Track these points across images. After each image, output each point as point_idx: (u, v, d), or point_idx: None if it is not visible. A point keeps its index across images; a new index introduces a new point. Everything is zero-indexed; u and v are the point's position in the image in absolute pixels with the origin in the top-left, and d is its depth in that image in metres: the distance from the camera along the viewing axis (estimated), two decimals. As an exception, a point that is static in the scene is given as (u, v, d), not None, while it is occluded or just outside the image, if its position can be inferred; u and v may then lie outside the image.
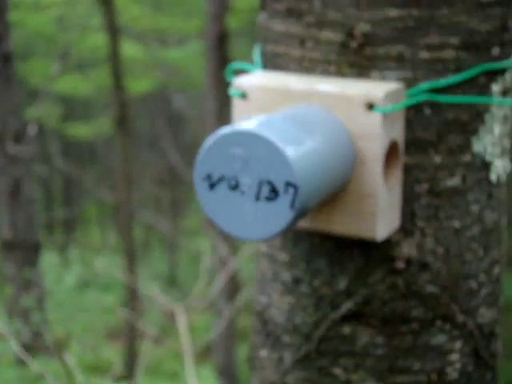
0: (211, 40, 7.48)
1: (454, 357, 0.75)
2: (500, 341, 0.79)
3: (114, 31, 10.73)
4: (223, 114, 7.49)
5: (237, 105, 0.70)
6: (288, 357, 0.78)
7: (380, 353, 0.73)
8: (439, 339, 0.74)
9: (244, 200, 0.61)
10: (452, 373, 0.75)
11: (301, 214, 0.61)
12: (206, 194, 0.62)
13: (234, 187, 0.61)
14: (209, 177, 0.62)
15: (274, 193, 0.60)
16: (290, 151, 0.59)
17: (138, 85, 12.25)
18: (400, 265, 0.71)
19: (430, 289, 0.72)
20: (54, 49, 14.68)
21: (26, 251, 5.71)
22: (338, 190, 0.66)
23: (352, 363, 0.74)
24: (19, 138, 5.62)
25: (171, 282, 15.21)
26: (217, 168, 0.61)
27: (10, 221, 5.59)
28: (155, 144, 20.95)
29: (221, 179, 0.62)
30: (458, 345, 0.75)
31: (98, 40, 11.73)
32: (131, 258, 10.34)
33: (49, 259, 4.49)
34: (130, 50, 13.22)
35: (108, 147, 22.08)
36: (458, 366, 0.75)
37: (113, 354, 5.75)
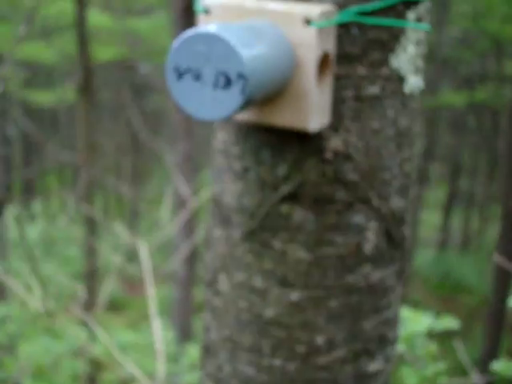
0: (177, 10, 7.57)
1: (370, 234, 0.92)
2: (409, 227, 0.97)
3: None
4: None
5: (201, 19, 0.87)
6: (236, 233, 0.95)
7: (310, 228, 0.91)
8: (358, 219, 0.91)
9: (205, 88, 0.77)
10: (367, 248, 0.93)
11: (248, 101, 0.77)
12: (175, 83, 0.79)
13: (197, 77, 0.77)
14: (177, 69, 0.78)
15: (228, 82, 0.76)
16: (242, 50, 0.75)
17: (104, 52, 12.26)
18: (328, 155, 0.88)
19: (352, 176, 0.89)
20: (18, 13, 14.55)
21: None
22: (280, 88, 0.83)
23: (288, 237, 0.92)
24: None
25: (132, 252, 15.34)
26: (184, 62, 0.78)
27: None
28: (119, 113, 20.89)
29: (187, 71, 0.78)
30: (373, 224, 0.92)
31: (64, 6, 11.70)
32: (91, 224, 10.39)
33: (12, 214, 4.61)
34: (96, 17, 13.19)
35: (70, 115, 21.92)
36: (372, 242, 0.93)
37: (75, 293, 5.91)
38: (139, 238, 3.00)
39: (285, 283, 0.93)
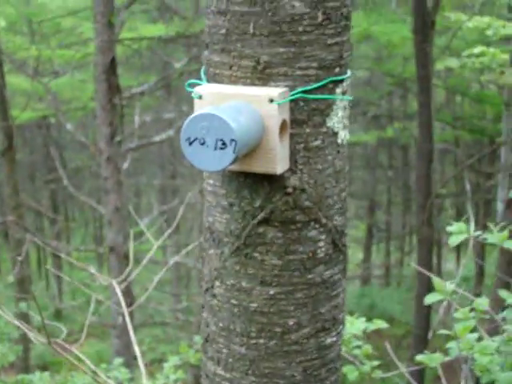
0: (101, 68, 7.91)
1: (321, 244, 1.32)
2: (346, 237, 1.37)
3: (-2, 61, 10.94)
4: (114, 138, 7.93)
5: (196, 102, 1.25)
6: (226, 250, 1.33)
7: (280, 242, 1.29)
8: (313, 233, 1.30)
9: (208, 150, 1.16)
10: (320, 253, 1.32)
11: (237, 156, 1.16)
12: (187, 148, 1.17)
13: (203, 143, 1.16)
14: (188, 138, 1.16)
15: (224, 145, 1.15)
16: (232, 122, 1.14)
17: (25, 114, 12.43)
18: (290, 190, 1.28)
19: (307, 204, 1.29)
20: None
21: None
22: (255, 145, 1.22)
23: (264, 249, 1.30)
24: None
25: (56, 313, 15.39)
26: (192, 133, 1.16)
27: None
28: (36, 172, 20.86)
29: (195, 139, 1.16)
30: (323, 237, 1.31)
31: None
32: (24, 284, 10.49)
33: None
34: (14, 80, 13.36)
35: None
36: (323, 249, 1.32)
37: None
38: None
39: (264, 283, 1.31)
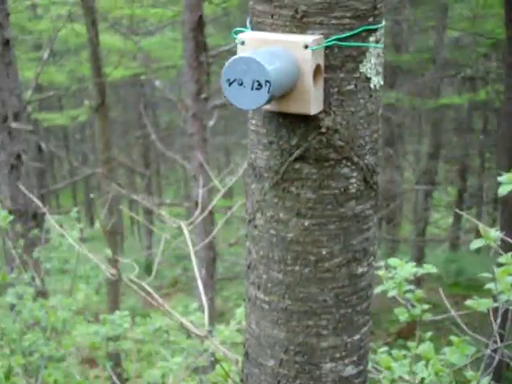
0: (189, 26, 8.08)
1: (353, 180, 1.43)
2: (378, 175, 1.48)
3: (92, 19, 11.28)
4: (201, 95, 8.12)
5: (239, 47, 1.38)
6: (266, 185, 1.46)
7: (314, 178, 1.41)
8: (345, 170, 1.42)
9: (245, 90, 1.28)
10: (352, 189, 1.44)
11: (271, 97, 1.28)
12: (227, 88, 1.30)
13: (241, 84, 1.28)
14: (228, 79, 1.29)
15: (259, 86, 1.27)
16: (267, 66, 1.26)
17: (118, 72, 12.78)
18: (323, 130, 1.39)
19: (339, 143, 1.40)
20: (28, 36, 15.08)
21: (27, 220, 6.35)
22: (291, 88, 1.34)
23: (300, 184, 1.42)
24: (19, 116, 6.25)
25: (148, 265, 15.88)
26: (232, 75, 1.29)
27: (11, 192, 6.22)
28: (129, 129, 21.38)
29: (234, 80, 1.29)
30: (355, 173, 1.43)
31: (76, 29, 12.26)
32: (113, 239, 10.91)
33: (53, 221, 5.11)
34: (107, 39, 13.73)
35: (82, 133, 22.40)
36: (355, 185, 1.44)
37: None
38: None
39: (299, 215, 1.44)
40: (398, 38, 16.12)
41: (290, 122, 1.40)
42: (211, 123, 8.53)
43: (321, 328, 1.49)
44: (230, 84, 1.29)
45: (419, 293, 2.39)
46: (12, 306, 4.05)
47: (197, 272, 2.66)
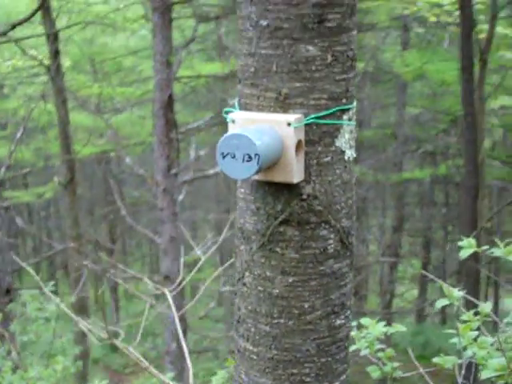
0: (159, 105, 8.35)
1: (331, 241, 1.62)
2: (354, 237, 1.66)
3: (63, 98, 11.52)
4: (171, 170, 8.33)
5: (230, 125, 1.57)
6: (254, 246, 1.64)
7: (296, 239, 1.60)
8: (324, 232, 1.61)
9: (237, 162, 1.48)
10: (330, 249, 1.62)
11: (260, 168, 1.47)
12: (221, 161, 1.49)
13: (233, 157, 1.48)
14: (222, 153, 1.49)
15: (250, 158, 1.46)
16: (257, 141, 1.46)
17: (87, 149, 12.98)
18: (304, 197, 1.58)
19: (318, 208, 1.59)
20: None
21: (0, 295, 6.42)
22: (276, 160, 1.53)
23: (284, 245, 1.60)
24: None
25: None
26: (225, 149, 1.48)
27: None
28: (95, 207, 21.46)
29: (227, 154, 1.48)
30: (332, 235, 1.62)
31: (45, 108, 12.49)
32: (84, 310, 10.90)
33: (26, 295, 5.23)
34: (77, 116, 13.95)
35: (45, 210, 22.40)
36: (333, 245, 1.62)
37: None
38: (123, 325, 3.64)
39: (284, 273, 1.61)
40: (360, 115, 16.62)
41: (275, 190, 1.59)
42: (181, 197, 8.72)
43: (304, 376, 1.65)
44: (224, 157, 1.48)
45: (390, 351, 2.56)
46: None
47: (182, 339, 2.78)
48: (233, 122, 1.57)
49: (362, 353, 2.55)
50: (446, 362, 2.41)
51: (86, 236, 13.06)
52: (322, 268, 1.62)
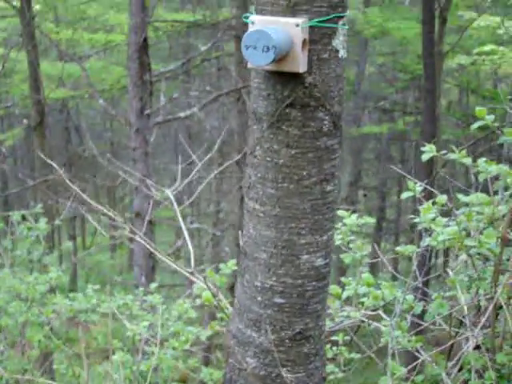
0: (134, 48, 8.64)
1: (326, 122, 2.04)
2: (341, 121, 2.09)
3: (33, 43, 11.74)
4: (144, 112, 8.68)
5: (250, 25, 1.98)
6: (264, 125, 2.06)
7: (299, 119, 2.02)
8: (320, 114, 2.03)
9: (258, 52, 1.89)
10: (325, 128, 2.05)
11: (275, 57, 1.89)
12: (245, 52, 1.90)
13: (255, 48, 1.89)
14: (246, 46, 1.90)
15: (268, 49, 1.88)
16: (274, 36, 1.87)
17: (59, 93, 13.20)
18: (306, 85, 2.00)
19: (317, 94, 2.01)
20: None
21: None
22: (286, 53, 1.95)
23: (289, 123, 2.02)
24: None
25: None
26: (249, 42, 1.89)
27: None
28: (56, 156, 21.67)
29: (250, 46, 1.89)
30: (327, 117, 2.04)
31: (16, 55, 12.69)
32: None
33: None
34: (45, 63, 14.14)
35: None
36: (327, 126, 2.05)
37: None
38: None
39: (288, 146, 2.03)
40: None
41: (283, 79, 2.01)
42: (152, 139, 9.08)
43: (300, 229, 2.09)
44: (247, 49, 1.90)
45: (360, 242, 3.01)
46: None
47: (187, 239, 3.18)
48: (252, 23, 1.98)
49: (336, 243, 3.00)
50: (406, 249, 2.87)
51: (56, 177, 13.33)
52: (318, 143, 2.05)
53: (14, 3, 12.03)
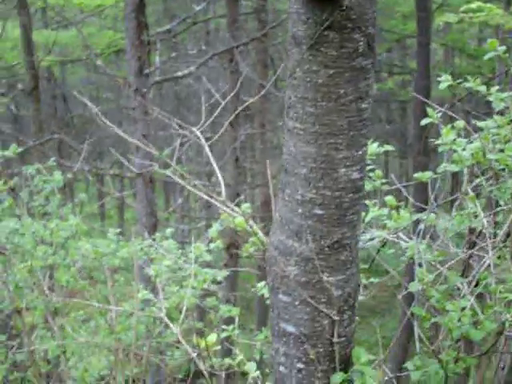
0: (131, 7, 8.73)
1: (361, 43, 2.20)
2: (375, 40, 2.25)
3: (24, 5, 11.76)
4: (143, 71, 8.79)
5: None
6: (304, 47, 2.21)
7: (337, 40, 2.18)
8: (356, 36, 2.18)
9: None
10: (360, 48, 2.21)
11: None
12: None
13: None
14: None
15: None
16: None
17: (51, 59, 13.26)
18: (344, 7, 2.16)
19: (353, 16, 2.16)
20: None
21: None
22: None
23: (327, 45, 2.18)
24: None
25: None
26: None
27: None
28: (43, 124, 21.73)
29: None
30: (362, 38, 2.19)
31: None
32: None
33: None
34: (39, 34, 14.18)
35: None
36: (362, 46, 2.20)
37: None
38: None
39: (327, 66, 2.19)
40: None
41: (321, 3, 2.16)
42: (150, 96, 9.20)
43: (338, 144, 2.26)
44: None
45: (378, 172, 3.19)
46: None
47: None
48: None
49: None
50: (424, 176, 3.05)
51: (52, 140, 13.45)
52: (353, 63, 2.21)
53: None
